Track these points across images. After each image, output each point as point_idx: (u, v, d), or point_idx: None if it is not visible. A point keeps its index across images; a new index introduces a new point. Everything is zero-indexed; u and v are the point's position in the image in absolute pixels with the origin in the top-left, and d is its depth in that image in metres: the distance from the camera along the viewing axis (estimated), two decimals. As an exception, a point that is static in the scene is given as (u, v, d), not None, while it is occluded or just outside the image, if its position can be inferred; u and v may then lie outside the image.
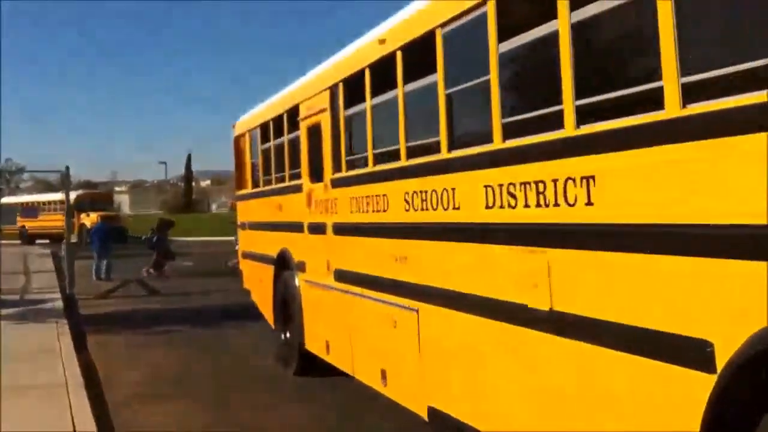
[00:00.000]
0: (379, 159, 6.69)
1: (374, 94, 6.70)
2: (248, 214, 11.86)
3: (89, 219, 43.47)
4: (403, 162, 6.10)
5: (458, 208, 5.19)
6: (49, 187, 68.93)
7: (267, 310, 10.76)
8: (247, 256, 12.00)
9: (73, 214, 43.65)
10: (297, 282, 9.01)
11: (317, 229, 8.19)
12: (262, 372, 9.96)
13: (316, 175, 8.26)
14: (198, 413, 8.06)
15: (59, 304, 16.05)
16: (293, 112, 9.12)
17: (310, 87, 8.62)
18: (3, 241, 46.22)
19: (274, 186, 10.11)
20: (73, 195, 47.12)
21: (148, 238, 24.00)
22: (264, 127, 10.70)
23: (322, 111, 7.96)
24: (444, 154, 5.41)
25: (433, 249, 5.63)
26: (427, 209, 5.64)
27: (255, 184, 11.41)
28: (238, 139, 12.56)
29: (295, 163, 9.09)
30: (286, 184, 9.44)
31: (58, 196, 49.18)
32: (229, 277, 20.15)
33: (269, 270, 10.17)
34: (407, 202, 5.96)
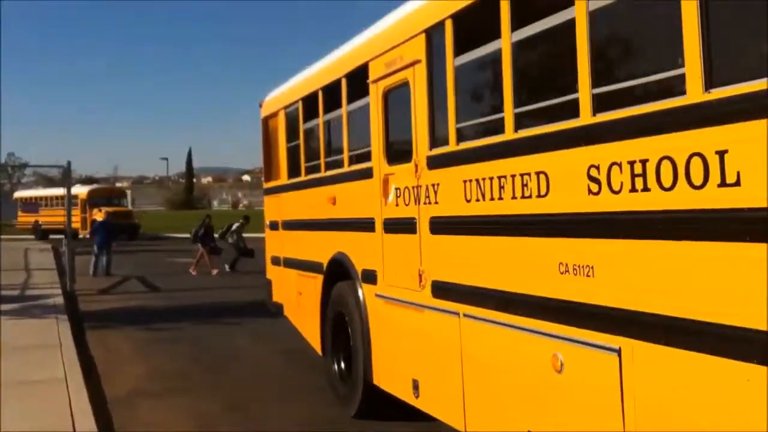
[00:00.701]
0: (524, 120, 4.47)
1: (517, 26, 4.48)
2: (282, 211, 9.59)
3: (101, 215, 42.40)
4: (586, 119, 3.87)
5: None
6: (51, 183, 68.95)
7: (310, 330, 8.61)
8: (280, 262, 9.70)
9: (86, 210, 42.69)
10: (362, 297, 6.89)
11: (400, 226, 6.10)
12: (265, 366, 9.95)
13: (398, 155, 6.20)
14: (199, 408, 7.97)
15: (59, 299, 15.85)
16: (357, 75, 6.98)
17: (389, 37, 6.35)
18: (16, 237, 45.43)
19: (323, 174, 7.94)
20: (85, 189, 45.80)
21: (195, 231, 23.21)
22: (309, 100, 8.44)
23: (412, 65, 5.83)
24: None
25: (648, 253, 3.46)
26: (637, 190, 3.51)
27: (293, 173, 9.09)
28: (267, 120, 10.23)
29: (359, 142, 7.02)
30: (345, 169, 7.32)
31: (74, 190, 49.04)
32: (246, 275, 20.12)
33: (315, 280, 8.07)
34: (594, 180, 3.77)
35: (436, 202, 5.52)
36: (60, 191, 49.25)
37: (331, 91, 7.70)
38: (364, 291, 6.89)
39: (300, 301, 8.87)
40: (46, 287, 18.09)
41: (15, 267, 23.62)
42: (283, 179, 9.50)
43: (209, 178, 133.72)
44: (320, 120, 8.05)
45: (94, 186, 52.05)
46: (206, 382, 9.03)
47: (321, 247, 7.88)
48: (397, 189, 6.18)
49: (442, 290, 5.45)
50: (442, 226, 5.47)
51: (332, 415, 7.53)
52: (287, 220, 9.42)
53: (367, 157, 6.82)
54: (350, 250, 7.19)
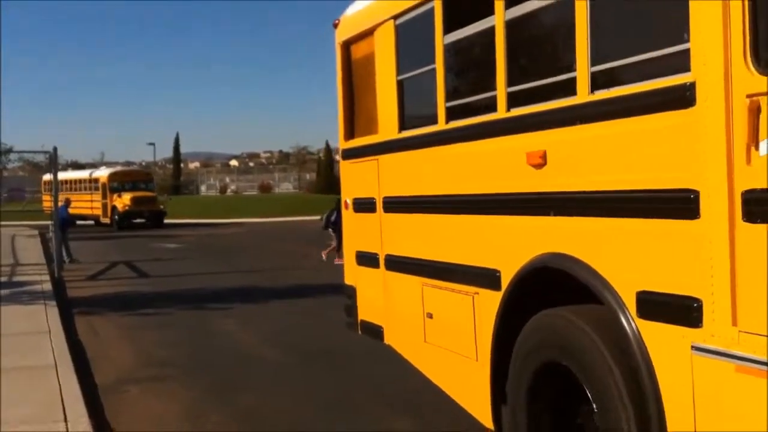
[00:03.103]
0: None
1: None
2: (385, 181, 6.58)
3: (121, 200, 39.24)
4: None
5: None
6: (38, 169, 68.49)
7: (455, 378, 5.75)
8: (379, 261, 6.72)
9: (106, 195, 40.01)
10: (644, 347, 3.74)
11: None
12: (254, 353, 9.90)
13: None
14: (188, 394, 7.97)
15: (48, 285, 15.80)
16: None
17: None
18: (40, 223, 42.28)
19: (508, 114, 4.78)
20: (106, 172, 42.43)
21: (327, 216, 21.36)
22: None
23: None
24: None
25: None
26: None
27: (414, 120, 6.20)
28: (351, 46, 7.26)
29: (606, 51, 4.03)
30: (587, 99, 4.05)
31: (99, 173, 44.06)
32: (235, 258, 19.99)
33: (476, 299, 5.22)
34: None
35: None
36: (86, 174, 46.26)
37: None
38: (651, 336, 3.70)
39: (432, 329, 5.90)
40: (34, 273, 18.08)
41: (2, 253, 23.55)
42: (388, 132, 6.48)
43: (196, 164, 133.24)
44: (499, 19, 4.82)
45: (117, 169, 47.56)
46: (195, 368, 9.10)
47: (495, 242, 4.96)
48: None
49: None
50: None
51: (319, 401, 7.65)
52: (400, 197, 6.36)
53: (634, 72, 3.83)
54: (594, 253, 4.04)
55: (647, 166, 3.66)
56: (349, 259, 7.47)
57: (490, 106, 4.99)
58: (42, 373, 8.24)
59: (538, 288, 4.62)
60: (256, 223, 40.96)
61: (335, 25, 7.56)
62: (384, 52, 6.50)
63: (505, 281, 4.80)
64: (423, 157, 5.96)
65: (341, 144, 7.61)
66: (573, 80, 4.17)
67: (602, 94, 3.97)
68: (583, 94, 4.08)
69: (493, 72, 4.90)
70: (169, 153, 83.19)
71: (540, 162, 4.44)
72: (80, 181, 44.83)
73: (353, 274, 7.36)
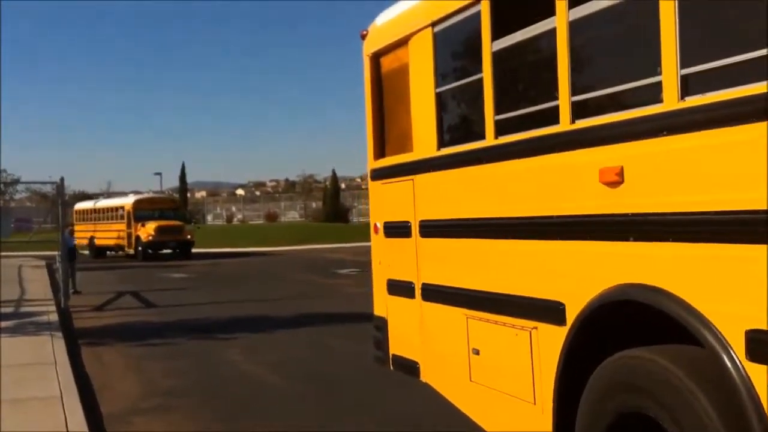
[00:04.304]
0: None
1: None
2: (423, 203, 6.03)
3: (144, 230, 36.46)
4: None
5: None
6: (45, 199, 68.82)
7: (506, 421, 5.06)
8: (414, 291, 6.20)
9: (131, 224, 37.34)
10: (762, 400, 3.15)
11: None
12: (260, 383, 9.87)
13: None
14: (194, 425, 7.92)
15: (54, 316, 15.74)
16: None
17: None
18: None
19: (574, 126, 4.26)
20: (131, 200, 39.26)
21: None
22: None
23: None
24: None
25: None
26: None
27: (456, 136, 5.74)
28: (381, 58, 6.75)
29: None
30: (679, 105, 3.58)
31: (124, 200, 40.93)
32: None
33: (533, 335, 4.66)
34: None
35: None
36: (114, 202, 42.87)
37: None
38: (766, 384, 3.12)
39: (479, 367, 5.33)
40: (41, 304, 18.09)
41: (8, 284, 23.57)
42: (425, 150, 5.95)
43: (203, 193, 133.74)
44: (561, 21, 4.32)
45: (143, 195, 43.62)
46: (200, 398, 9.07)
47: (558, 270, 4.41)
48: None
49: None
50: None
51: (324, 426, 7.62)
52: (440, 221, 5.82)
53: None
54: (687, 285, 3.54)
55: (753, 184, 3.16)
56: (378, 288, 6.88)
57: (549, 118, 4.48)
58: (48, 404, 8.22)
59: (612, 324, 4.06)
60: (274, 252, 40.97)
61: (363, 36, 7.00)
62: (420, 62, 5.95)
63: (571, 315, 4.22)
64: (467, 177, 5.37)
65: (370, 164, 7.01)
66: (655, 86, 3.72)
67: (696, 101, 3.51)
68: (672, 101, 3.61)
69: (552, 80, 4.38)
70: (175, 183, 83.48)
71: (616, 179, 3.90)
72: (108, 210, 41.77)
73: (383, 305, 6.79)
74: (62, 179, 20.56)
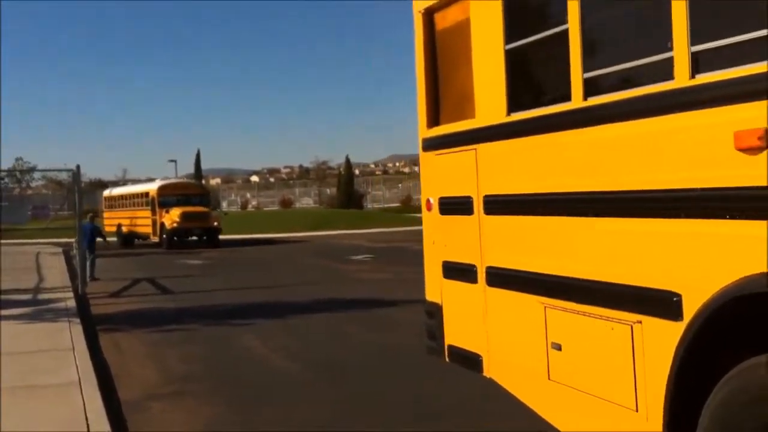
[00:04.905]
0: None
1: None
2: (489, 177, 5.39)
3: (169, 216, 34.64)
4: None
5: None
6: (61, 187, 69.14)
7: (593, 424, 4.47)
8: (475, 275, 5.59)
9: (156, 210, 35.71)
10: None
11: None
12: (276, 368, 9.91)
13: None
14: (211, 411, 7.98)
15: (72, 303, 15.85)
16: None
17: None
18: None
19: (682, 83, 3.65)
20: (156, 186, 37.50)
21: None
22: None
23: None
24: None
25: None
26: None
27: (534, 99, 4.98)
28: (435, 14, 6.15)
29: None
30: None
31: (149, 186, 39.00)
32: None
33: (636, 329, 4.02)
34: None
35: None
36: (140, 188, 40.96)
37: None
38: None
39: (561, 365, 4.70)
40: (58, 291, 18.22)
41: (26, 271, 23.76)
42: (491, 115, 5.29)
43: (218, 180, 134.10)
44: None
45: (167, 181, 41.50)
46: (218, 384, 9.11)
47: (672, 255, 3.77)
48: None
49: None
50: None
51: (342, 415, 7.63)
52: (510, 195, 5.16)
53: None
54: None
55: None
56: (431, 271, 6.35)
57: (656, 73, 3.81)
58: (66, 390, 8.28)
59: (744, 321, 3.45)
60: (289, 238, 41.08)
61: None
62: (485, 15, 5.25)
63: (690, 309, 3.57)
64: (546, 145, 4.68)
65: (422, 132, 6.35)
66: None
67: None
68: None
69: (662, 27, 3.72)
70: (190, 170, 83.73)
71: (758, 145, 3.22)
72: (134, 196, 39.95)
73: (437, 289, 6.21)
74: (78, 167, 20.64)
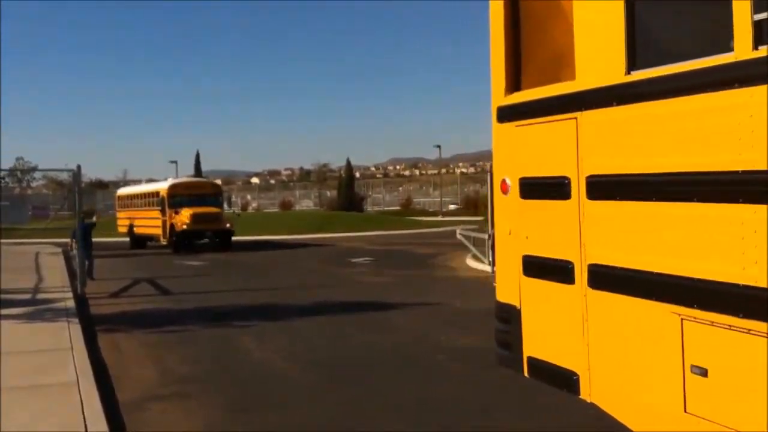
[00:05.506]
0: None
1: None
2: (597, 152, 4.42)
3: (179, 218, 32.58)
4: None
5: None
6: (61, 186, 69.16)
7: None
8: (571, 274, 4.66)
9: (165, 211, 33.73)
10: None
11: None
12: (275, 370, 9.88)
13: None
14: (210, 412, 7.96)
15: (71, 303, 15.81)
16: None
17: None
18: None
19: None
20: (166, 185, 35.23)
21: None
22: None
23: None
24: None
25: None
26: None
27: (662, 54, 4.15)
28: None
29: None
30: None
31: (160, 185, 36.55)
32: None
33: None
34: None
35: None
36: (150, 187, 38.46)
37: None
38: None
39: (707, 395, 3.76)
40: (58, 291, 18.20)
41: (26, 271, 23.74)
42: (600, 75, 4.33)
43: (218, 181, 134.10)
44: None
45: (179, 180, 39.19)
46: (217, 385, 9.09)
47: None
48: None
49: None
50: None
51: (341, 418, 7.61)
52: (630, 176, 4.15)
53: None
54: None
55: None
56: (506, 267, 5.31)
57: None
58: (64, 390, 8.26)
59: None
60: (288, 240, 41.07)
61: None
62: None
63: None
64: (691, 110, 3.70)
65: (497, 100, 5.43)
66: None
67: None
68: None
69: None
70: (190, 171, 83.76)
71: None
72: (145, 195, 37.56)
73: (514, 289, 5.20)
74: (79, 167, 20.60)
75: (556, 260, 4.74)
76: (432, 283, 18.73)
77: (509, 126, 5.29)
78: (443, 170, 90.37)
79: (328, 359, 10.38)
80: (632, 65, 4.12)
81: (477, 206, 53.99)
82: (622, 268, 4.22)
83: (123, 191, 44.09)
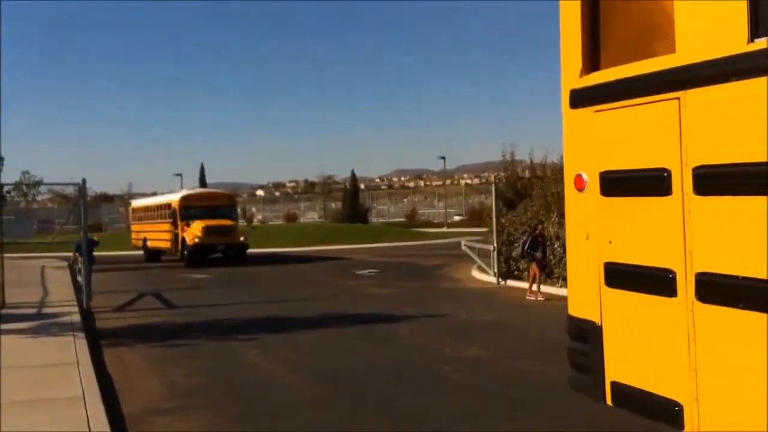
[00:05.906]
0: None
1: None
2: (708, 139, 3.72)
3: (190, 231, 31.48)
4: None
5: None
6: (67, 200, 69.32)
7: None
8: (673, 286, 3.97)
9: (176, 223, 32.79)
10: None
11: None
12: (281, 383, 9.88)
13: None
14: (215, 425, 7.96)
15: (76, 317, 15.81)
16: None
17: None
18: (125, 253, 38.02)
19: None
20: (178, 196, 34.32)
21: (523, 241, 18.01)
22: None
23: None
24: None
25: None
26: None
27: None
28: None
29: None
30: None
31: (171, 196, 35.56)
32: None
33: None
34: None
35: None
36: (163, 199, 37.42)
37: None
38: None
39: None
40: (63, 305, 18.23)
41: (32, 285, 23.77)
42: (712, 46, 3.69)
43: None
44: None
45: (192, 191, 37.95)
46: (222, 398, 9.08)
47: None
48: None
49: None
50: None
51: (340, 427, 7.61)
52: (759, 165, 3.51)
53: None
54: None
55: None
56: (583, 276, 4.60)
57: None
58: (70, 404, 8.27)
59: None
60: (294, 253, 41.07)
61: None
62: None
63: None
64: None
65: (570, 82, 4.75)
66: None
67: None
68: None
69: None
70: (195, 183, 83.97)
71: None
72: (157, 207, 36.21)
73: (593, 302, 4.51)
74: (84, 180, 20.66)
75: (650, 268, 4.06)
76: (437, 295, 18.76)
77: (586, 112, 4.59)
78: (448, 181, 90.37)
79: (334, 373, 10.36)
80: (755, 32, 3.46)
81: (482, 217, 54.02)
82: (741, 278, 3.55)
83: (137, 203, 43.45)
